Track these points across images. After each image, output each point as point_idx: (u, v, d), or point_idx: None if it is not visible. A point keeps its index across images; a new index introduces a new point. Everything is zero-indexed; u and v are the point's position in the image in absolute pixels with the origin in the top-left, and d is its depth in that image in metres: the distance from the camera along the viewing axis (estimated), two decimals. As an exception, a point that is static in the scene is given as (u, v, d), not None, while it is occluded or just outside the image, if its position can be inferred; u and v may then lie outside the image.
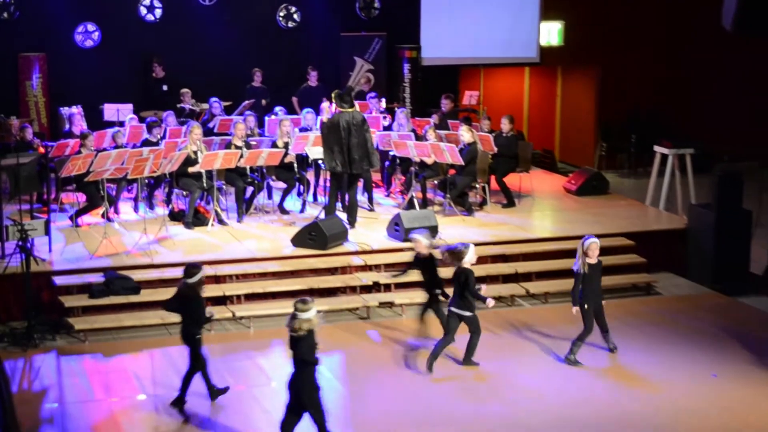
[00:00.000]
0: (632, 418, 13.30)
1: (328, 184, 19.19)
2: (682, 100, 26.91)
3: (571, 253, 18.20)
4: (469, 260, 14.55)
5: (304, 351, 11.54)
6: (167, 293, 16.32)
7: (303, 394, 11.69)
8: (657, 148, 21.69)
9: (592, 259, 14.85)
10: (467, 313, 14.47)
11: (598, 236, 18.35)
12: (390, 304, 17.12)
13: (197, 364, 13.32)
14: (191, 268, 13.32)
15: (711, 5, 19.30)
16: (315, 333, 11.60)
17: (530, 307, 16.99)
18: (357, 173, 18.45)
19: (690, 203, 20.33)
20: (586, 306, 14.82)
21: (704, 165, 23.57)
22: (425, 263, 15.13)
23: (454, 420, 13.19)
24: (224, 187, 19.54)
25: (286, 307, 16.09)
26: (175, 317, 15.98)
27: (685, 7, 26.32)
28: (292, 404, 11.79)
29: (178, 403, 13.29)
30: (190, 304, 13.33)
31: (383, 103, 22.88)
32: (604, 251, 18.33)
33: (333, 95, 18.70)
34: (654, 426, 13.09)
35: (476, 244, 17.93)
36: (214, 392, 13.45)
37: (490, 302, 14.34)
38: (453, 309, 14.58)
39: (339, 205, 19.01)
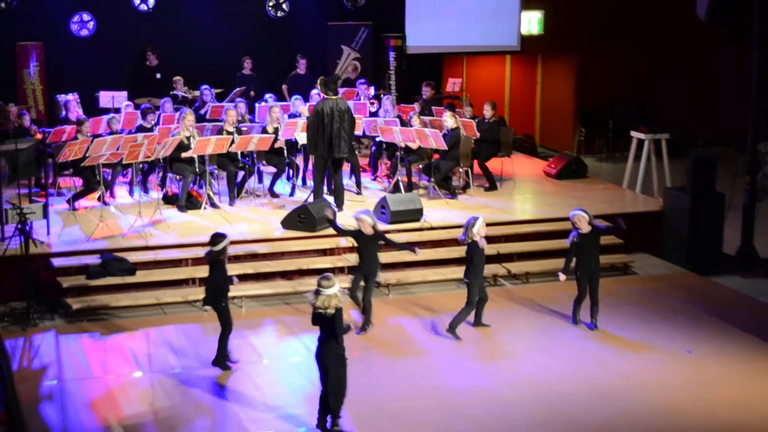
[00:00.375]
0: (611, 393, 13.39)
1: (316, 168, 19.25)
2: (658, 87, 26.98)
3: (551, 235, 18.43)
4: (477, 231, 14.83)
5: (338, 326, 11.84)
6: (162, 274, 16.50)
7: (329, 369, 11.94)
8: (634, 134, 21.77)
9: (582, 230, 15.02)
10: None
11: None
12: (377, 284, 17.17)
13: (227, 327, 13.52)
14: (216, 236, 13.61)
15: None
16: (342, 309, 11.88)
17: (512, 286, 17.07)
18: (339, 158, 18.48)
19: (665, 187, 20.41)
20: (578, 273, 15.25)
21: (679, 150, 23.60)
22: (367, 242, 15.12)
23: (437, 394, 13.29)
24: (216, 171, 19.56)
25: (277, 287, 16.31)
26: (170, 297, 16.18)
27: (660, -3, 26.44)
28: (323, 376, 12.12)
29: (220, 362, 13.68)
30: (213, 270, 13.59)
31: (372, 90, 22.91)
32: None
33: (318, 82, 18.73)
34: (634, 399, 13.19)
35: (458, 227, 18.12)
36: (222, 360, 13.65)
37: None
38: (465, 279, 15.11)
39: (326, 189, 19.09)
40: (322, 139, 18.16)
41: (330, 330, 11.97)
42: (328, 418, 12.03)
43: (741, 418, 12.83)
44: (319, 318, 11.87)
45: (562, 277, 15.29)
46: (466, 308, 15.16)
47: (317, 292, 11.74)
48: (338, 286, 11.83)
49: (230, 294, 16.13)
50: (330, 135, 18.13)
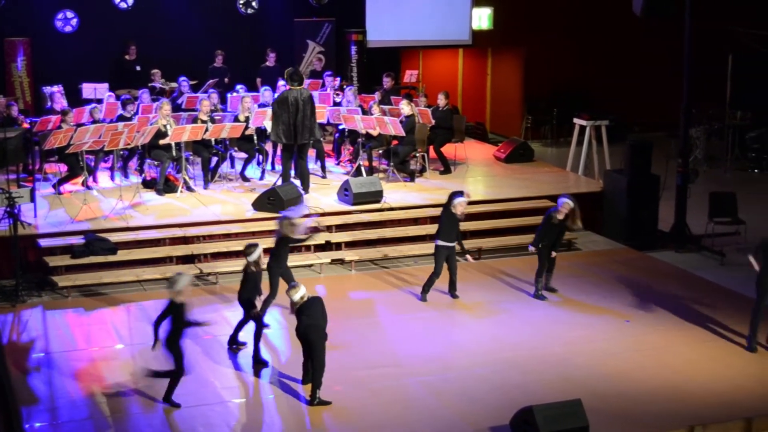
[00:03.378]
0: (557, 359, 13.42)
1: (284, 154, 19.15)
2: (599, 77, 27.01)
3: (501, 214, 18.47)
4: (458, 203, 15.08)
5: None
6: (142, 253, 16.40)
7: (313, 343, 12.10)
8: (576, 120, 21.77)
9: (560, 215, 15.32)
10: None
11: (525, 199, 18.63)
12: (341, 261, 17.13)
13: (259, 325, 13.29)
14: (249, 247, 13.27)
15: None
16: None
17: (465, 261, 17.04)
18: (303, 143, 18.36)
19: (605, 169, 20.44)
20: (540, 246, 15.47)
21: (618, 135, 23.74)
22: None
23: (397, 362, 13.28)
24: (191, 157, 19.45)
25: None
26: (149, 274, 16.07)
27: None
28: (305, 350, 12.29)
29: (260, 362, 13.23)
30: (248, 277, 13.24)
31: (337, 82, 22.81)
32: (530, 212, 18.61)
33: (285, 74, 18.66)
34: (577, 365, 13.22)
35: (416, 207, 18.12)
36: (259, 362, 13.26)
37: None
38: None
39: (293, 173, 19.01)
40: (287, 126, 18.06)
41: (314, 311, 12.06)
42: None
43: (675, 381, 12.88)
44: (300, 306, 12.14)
45: (531, 248, 15.52)
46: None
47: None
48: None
49: (206, 270, 16.17)
50: (294, 122, 18.04)
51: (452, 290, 15.49)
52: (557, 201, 15.67)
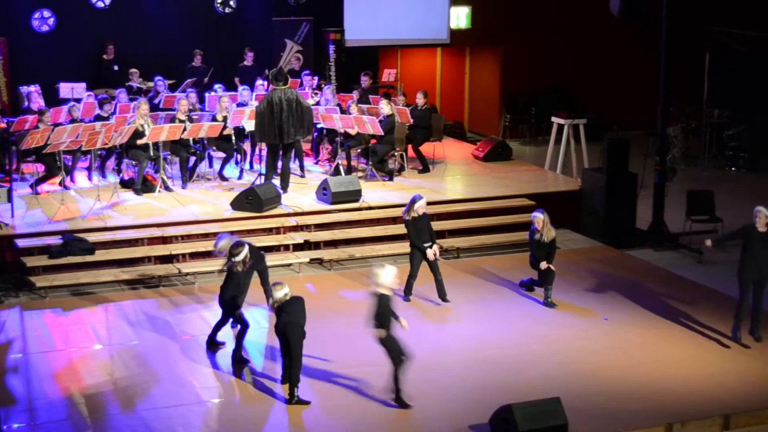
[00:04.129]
0: (536, 358, 13.44)
1: (263, 153, 19.09)
2: (577, 76, 27.08)
3: (479, 213, 18.48)
4: (417, 208, 15.10)
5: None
6: (119, 253, 16.35)
7: (291, 341, 12.04)
8: (554, 119, 21.83)
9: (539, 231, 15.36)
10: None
11: (503, 198, 18.66)
12: (319, 261, 17.12)
13: (244, 324, 13.23)
14: (235, 247, 13.22)
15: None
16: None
17: (443, 260, 17.02)
18: (289, 143, 18.36)
19: (583, 167, 20.50)
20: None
21: (596, 133, 23.85)
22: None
23: (378, 361, 13.21)
24: (169, 157, 19.41)
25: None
26: (127, 274, 16.02)
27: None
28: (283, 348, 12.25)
29: (240, 361, 13.17)
30: (232, 277, 13.19)
31: (315, 81, 22.79)
32: (508, 211, 18.67)
33: (270, 75, 18.65)
34: (554, 363, 13.24)
35: (394, 206, 18.13)
36: (240, 361, 13.21)
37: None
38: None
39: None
40: (272, 127, 18.04)
41: (294, 309, 12.09)
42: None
43: (654, 378, 12.91)
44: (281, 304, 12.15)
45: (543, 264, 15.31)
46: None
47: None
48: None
49: (184, 270, 16.13)
50: (280, 122, 18.02)
51: (440, 293, 15.36)
52: (531, 216, 15.62)
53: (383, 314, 11.98)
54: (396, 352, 12.02)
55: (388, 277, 12.07)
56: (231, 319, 13.44)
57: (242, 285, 13.35)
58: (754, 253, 13.80)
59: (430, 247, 15.18)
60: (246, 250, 13.24)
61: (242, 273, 13.25)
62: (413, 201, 15.13)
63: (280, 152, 18.50)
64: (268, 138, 18.18)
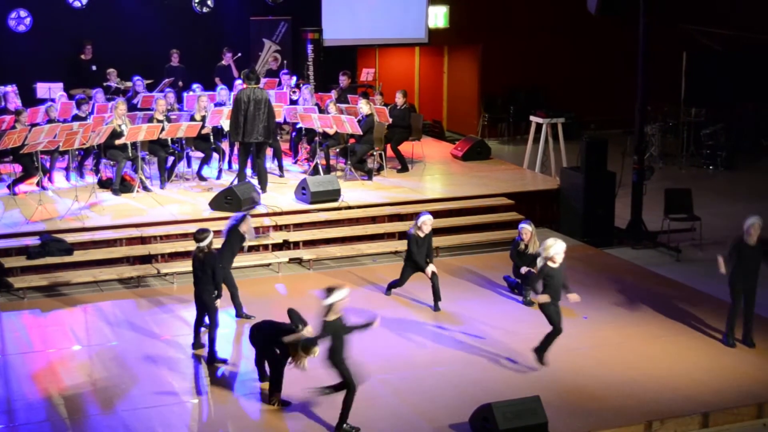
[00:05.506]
0: (514, 356, 13.44)
1: (241, 153, 19.12)
2: (554, 75, 27.17)
3: (458, 212, 18.50)
4: (422, 225, 15.00)
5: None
6: (98, 254, 16.31)
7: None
8: (532, 118, 21.89)
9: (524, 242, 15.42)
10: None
11: (482, 197, 18.69)
12: (299, 260, 17.12)
13: (213, 323, 13.13)
14: (200, 233, 13.17)
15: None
16: None
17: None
18: (257, 142, 18.34)
19: (562, 166, 20.57)
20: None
21: (574, 133, 23.93)
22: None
23: (358, 360, 13.25)
24: (148, 157, 19.36)
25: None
26: (106, 275, 15.98)
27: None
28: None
29: (217, 361, 13.11)
30: (203, 265, 13.10)
31: (293, 80, 22.79)
32: (487, 210, 18.74)
33: (242, 73, 18.69)
34: (534, 362, 13.22)
35: (374, 206, 18.15)
36: (216, 361, 13.15)
37: None
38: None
39: (251, 172, 19.00)
40: (241, 125, 18.07)
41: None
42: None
43: (633, 377, 12.95)
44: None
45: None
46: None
47: None
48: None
49: (163, 270, 16.09)
50: (245, 120, 18.04)
51: (435, 301, 15.26)
52: (518, 227, 15.63)
53: (334, 344, 11.41)
54: (349, 378, 11.52)
55: (337, 297, 11.35)
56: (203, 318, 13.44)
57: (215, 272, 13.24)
58: (746, 266, 13.78)
59: (428, 264, 15.16)
60: (211, 236, 13.21)
61: (209, 256, 13.15)
62: (419, 218, 15.09)
63: (251, 152, 18.53)
64: (233, 135, 18.27)
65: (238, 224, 14.26)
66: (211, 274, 13.10)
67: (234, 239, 14.31)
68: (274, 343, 12.02)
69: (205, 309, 13.22)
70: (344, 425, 11.41)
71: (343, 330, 11.34)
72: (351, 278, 16.43)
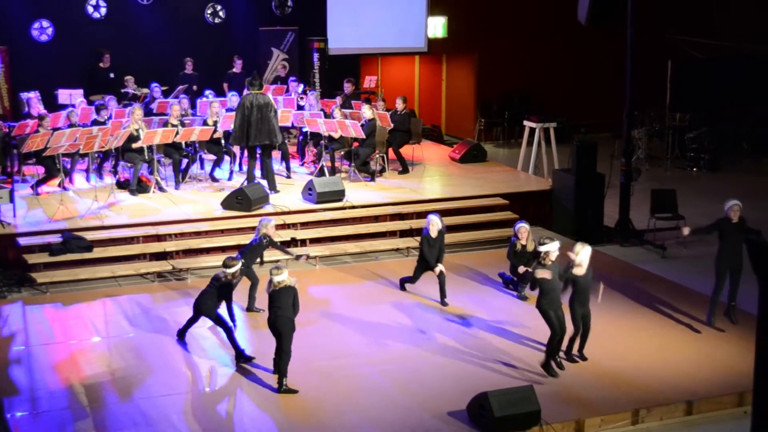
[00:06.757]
0: (509, 348, 13.44)
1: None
2: (547, 82, 27.14)
3: (456, 211, 18.49)
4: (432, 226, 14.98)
5: (295, 302, 12.23)
6: (116, 250, 16.33)
7: (283, 335, 12.11)
8: (526, 123, 21.87)
9: (522, 241, 15.33)
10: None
11: (478, 197, 18.68)
12: (306, 257, 17.11)
13: (227, 326, 13.08)
14: (230, 260, 13.17)
15: (570, 3, 19.49)
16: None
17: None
18: (260, 144, 18.37)
19: (553, 168, 20.55)
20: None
21: (565, 136, 23.93)
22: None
23: (357, 353, 13.31)
24: (163, 159, 19.35)
25: (219, 260, 16.10)
26: (124, 270, 16.00)
27: (549, 3, 26.54)
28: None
29: (244, 360, 12.99)
30: (221, 287, 13.11)
31: (301, 87, 22.78)
32: (484, 209, 18.73)
33: (246, 80, 18.70)
34: (527, 353, 13.23)
35: (376, 205, 18.15)
36: (243, 357, 13.04)
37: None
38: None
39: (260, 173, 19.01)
40: (243, 128, 18.09)
41: (285, 300, 12.07)
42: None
43: (621, 367, 12.97)
44: (273, 292, 12.11)
45: (522, 269, 15.22)
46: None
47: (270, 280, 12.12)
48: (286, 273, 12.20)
49: (178, 266, 16.11)
50: (249, 124, 18.05)
51: (441, 296, 15.25)
52: (514, 227, 15.59)
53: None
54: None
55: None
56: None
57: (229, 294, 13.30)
58: (729, 244, 14.03)
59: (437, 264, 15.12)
60: (239, 265, 13.23)
61: (232, 283, 13.22)
62: (430, 219, 15.07)
63: (258, 155, 18.54)
64: (235, 139, 18.28)
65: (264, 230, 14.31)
66: (223, 297, 13.22)
67: (258, 246, 14.36)
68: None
69: (216, 321, 13.21)
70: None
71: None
72: (361, 272, 16.46)
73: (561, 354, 13.08)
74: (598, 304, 13.37)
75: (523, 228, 15.32)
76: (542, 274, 12.59)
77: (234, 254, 14.08)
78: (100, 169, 19.65)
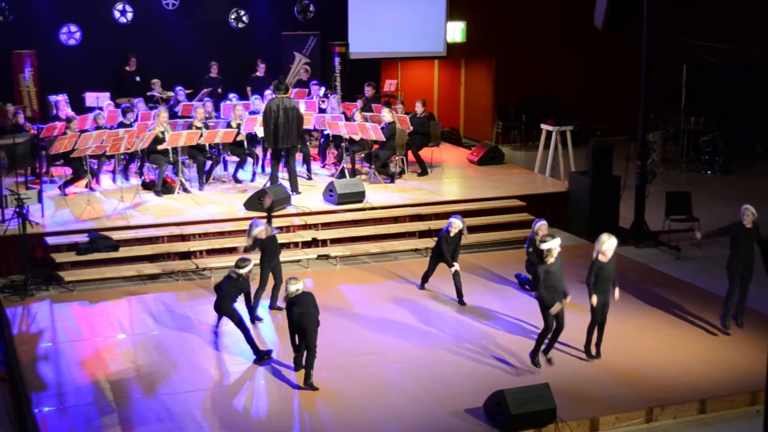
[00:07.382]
0: (522, 347, 13.39)
1: (274, 157, 19.15)
2: (564, 86, 27.09)
3: (475, 213, 18.45)
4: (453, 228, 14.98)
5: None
6: (141, 250, 16.37)
7: (308, 332, 12.14)
8: (543, 126, 21.83)
9: (538, 239, 15.04)
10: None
11: (496, 199, 18.64)
12: (326, 257, 17.13)
13: (244, 327, 13.11)
14: (242, 261, 13.22)
15: (586, 9, 19.45)
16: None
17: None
18: (286, 147, 18.36)
19: (570, 171, 20.51)
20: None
21: (581, 139, 23.85)
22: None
23: (377, 350, 13.31)
24: (187, 161, 19.38)
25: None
26: (149, 269, 16.04)
27: (566, 9, 26.51)
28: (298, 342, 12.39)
29: (262, 357, 13.00)
30: (233, 285, 13.15)
31: (322, 90, 22.80)
32: (501, 211, 18.70)
33: (272, 84, 18.73)
34: (543, 352, 13.23)
35: (396, 207, 18.14)
36: (260, 354, 13.05)
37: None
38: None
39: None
40: (269, 131, 18.14)
41: (306, 301, 12.15)
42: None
43: (636, 366, 12.93)
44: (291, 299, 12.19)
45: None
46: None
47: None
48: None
49: (201, 265, 16.14)
50: (275, 127, 18.09)
51: (458, 297, 15.27)
52: (534, 224, 15.44)
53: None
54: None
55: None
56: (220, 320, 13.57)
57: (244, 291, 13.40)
58: (741, 248, 13.95)
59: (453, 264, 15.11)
60: (251, 265, 13.26)
61: (245, 282, 13.27)
62: (452, 221, 15.08)
63: (282, 156, 18.57)
64: (266, 142, 18.33)
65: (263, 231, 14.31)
66: (242, 295, 13.35)
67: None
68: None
69: (233, 320, 13.24)
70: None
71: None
72: (381, 272, 16.47)
73: (568, 350, 13.09)
74: (614, 302, 13.31)
75: (543, 226, 15.24)
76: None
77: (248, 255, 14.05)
78: (126, 170, 19.72)
